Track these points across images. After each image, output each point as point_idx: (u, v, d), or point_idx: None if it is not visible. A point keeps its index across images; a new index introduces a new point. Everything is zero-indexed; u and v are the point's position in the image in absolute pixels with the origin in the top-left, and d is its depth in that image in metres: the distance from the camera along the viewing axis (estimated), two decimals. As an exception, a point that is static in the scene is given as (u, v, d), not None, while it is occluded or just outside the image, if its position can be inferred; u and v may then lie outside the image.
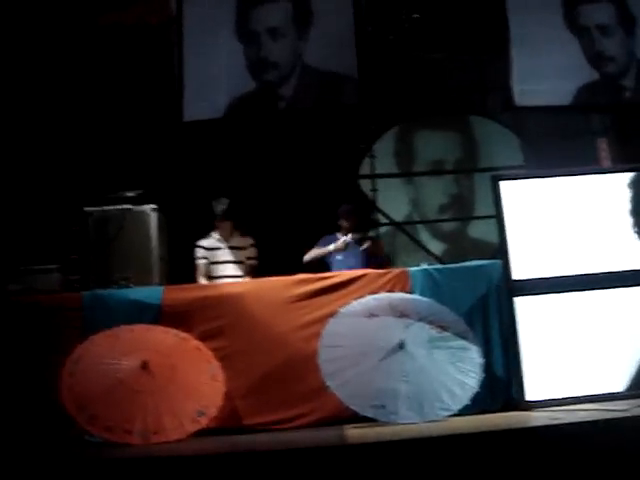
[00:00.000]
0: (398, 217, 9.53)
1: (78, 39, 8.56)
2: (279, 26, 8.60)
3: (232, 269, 7.01)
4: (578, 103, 8.52)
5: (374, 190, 9.13)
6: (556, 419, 4.98)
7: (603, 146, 8.78)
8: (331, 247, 6.91)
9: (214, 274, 6.99)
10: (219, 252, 7.06)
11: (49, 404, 5.37)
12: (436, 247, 9.43)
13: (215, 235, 7.12)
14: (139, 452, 4.98)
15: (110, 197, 7.12)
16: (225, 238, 7.10)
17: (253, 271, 7.02)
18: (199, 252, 7.06)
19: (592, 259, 5.91)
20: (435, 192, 9.82)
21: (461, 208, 9.82)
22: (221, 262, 7.03)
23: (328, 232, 7.17)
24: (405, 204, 9.77)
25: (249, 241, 7.15)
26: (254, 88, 8.53)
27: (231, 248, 7.09)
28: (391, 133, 9.91)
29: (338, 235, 7.05)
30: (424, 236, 9.64)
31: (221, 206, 7.03)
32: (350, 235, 6.94)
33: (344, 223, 7.11)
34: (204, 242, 7.09)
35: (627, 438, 4.51)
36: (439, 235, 9.72)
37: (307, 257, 6.99)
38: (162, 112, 8.43)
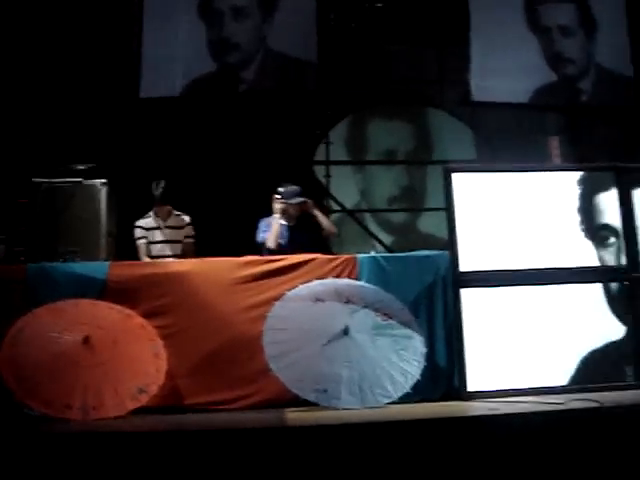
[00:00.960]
0: (347, 206, 9.53)
1: (36, 4, 8.41)
2: (244, 5, 8.53)
3: (169, 249, 6.95)
4: (534, 103, 8.61)
5: (328, 176, 9.12)
6: (494, 410, 5.05)
7: (555, 144, 8.89)
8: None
9: (153, 254, 6.93)
10: (157, 232, 7.00)
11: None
12: (384, 239, 9.42)
13: (152, 215, 7.06)
14: (77, 427, 4.94)
15: (60, 169, 7.03)
16: (162, 218, 7.04)
17: (190, 250, 6.96)
18: (138, 232, 6.98)
19: (539, 255, 5.99)
20: (385, 183, 9.79)
21: (411, 200, 9.80)
22: (159, 242, 6.97)
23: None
24: (354, 193, 9.71)
25: (185, 220, 7.09)
26: (214, 69, 8.49)
27: (168, 227, 7.04)
28: (345, 121, 9.88)
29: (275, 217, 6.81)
30: (372, 227, 9.59)
31: (160, 189, 6.96)
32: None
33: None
34: (142, 222, 7.02)
35: (562, 430, 4.59)
36: (388, 227, 9.66)
37: (271, 244, 6.67)
38: (118, 87, 8.35)
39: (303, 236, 6.69)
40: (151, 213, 7.06)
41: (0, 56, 8.19)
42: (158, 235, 7.00)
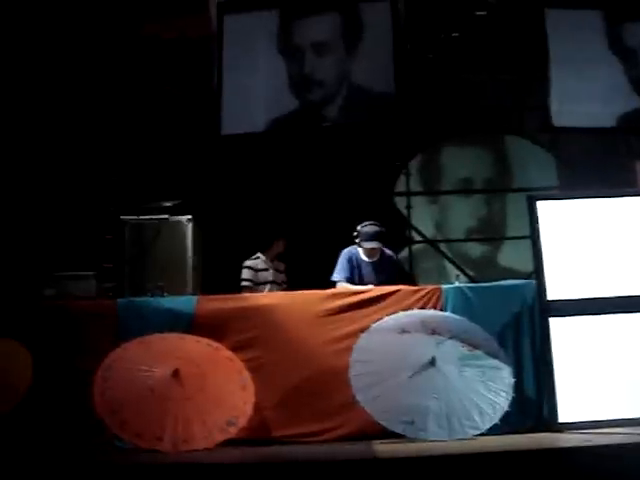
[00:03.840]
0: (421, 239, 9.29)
1: (121, 50, 8.68)
2: (326, 41, 8.41)
3: (276, 290, 7.07)
4: (619, 127, 8.42)
5: (409, 207, 9.08)
6: (587, 441, 4.94)
7: (640, 168, 8.70)
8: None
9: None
10: (265, 273, 7.14)
11: (81, 409, 5.42)
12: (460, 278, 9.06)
13: (262, 256, 7.17)
14: (168, 459, 5.02)
15: (147, 207, 7.20)
16: (270, 259, 7.17)
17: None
18: (245, 273, 7.12)
19: (627, 282, 5.85)
20: (462, 213, 9.51)
21: (490, 232, 9.49)
22: (269, 282, 7.10)
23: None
24: (429, 226, 9.40)
25: (283, 266, 7.26)
26: (296, 107, 8.44)
27: (275, 270, 7.18)
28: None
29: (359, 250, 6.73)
30: (448, 264, 9.23)
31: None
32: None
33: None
34: (250, 263, 7.15)
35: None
36: (465, 261, 9.22)
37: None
38: (201, 125, 8.51)
39: (385, 271, 6.65)
40: (259, 254, 7.17)
41: (92, 97, 8.45)
42: (266, 276, 7.12)
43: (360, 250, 6.66)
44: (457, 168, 9.63)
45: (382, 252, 6.67)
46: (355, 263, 6.63)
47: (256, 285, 7.10)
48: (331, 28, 8.49)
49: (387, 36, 8.53)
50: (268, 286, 7.11)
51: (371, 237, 6.58)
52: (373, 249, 6.59)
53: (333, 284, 6.45)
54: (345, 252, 6.70)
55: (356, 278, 6.60)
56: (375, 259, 6.65)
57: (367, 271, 6.64)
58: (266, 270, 7.16)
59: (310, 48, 8.43)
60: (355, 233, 6.65)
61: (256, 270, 7.13)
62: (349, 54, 8.44)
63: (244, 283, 7.08)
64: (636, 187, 8.28)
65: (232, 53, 8.61)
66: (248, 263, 7.14)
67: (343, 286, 6.48)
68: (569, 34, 8.49)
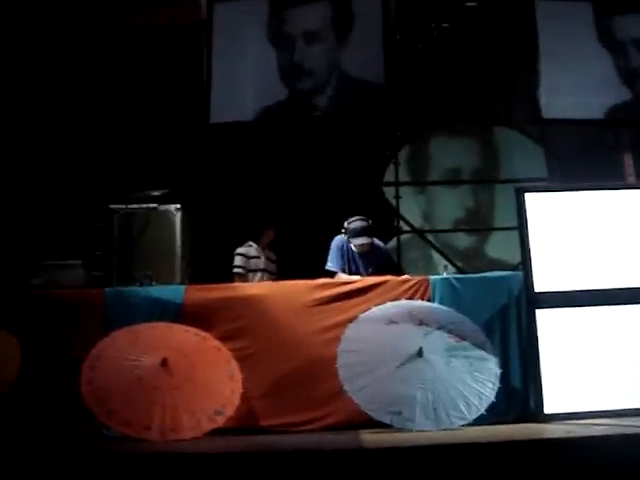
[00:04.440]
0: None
1: (110, 37, 8.64)
2: (316, 30, 8.42)
3: (268, 278, 7.10)
4: (608, 119, 8.43)
5: (397, 197, 9.08)
6: (572, 432, 4.98)
7: (629, 162, 8.71)
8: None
9: (253, 281, 7.08)
10: (257, 260, 7.16)
11: (69, 398, 5.42)
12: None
13: (254, 244, 7.19)
14: (156, 448, 5.03)
15: (136, 196, 7.19)
16: (262, 248, 7.19)
17: None
18: (238, 260, 7.15)
19: (614, 274, 5.89)
20: (449, 204, 9.49)
21: (477, 223, 9.47)
22: (260, 270, 7.12)
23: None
24: (417, 216, 9.38)
25: (274, 256, 7.30)
26: (286, 97, 8.45)
27: (266, 258, 7.22)
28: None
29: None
30: (435, 254, 9.22)
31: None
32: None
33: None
34: (242, 250, 7.18)
35: (641, 454, 4.50)
36: (452, 253, 9.19)
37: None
38: (190, 113, 8.49)
39: (374, 261, 6.65)
40: (251, 242, 7.19)
41: (80, 85, 8.41)
42: (258, 264, 7.14)
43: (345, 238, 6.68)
44: (445, 158, 9.59)
45: (371, 243, 6.68)
46: (346, 252, 6.64)
47: (248, 272, 7.11)
48: (322, 17, 8.50)
49: (377, 26, 8.54)
50: (259, 274, 7.13)
51: (359, 233, 6.57)
52: (362, 244, 6.61)
53: (324, 273, 6.43)
54: (336, 240, 6.70)
55: (346, 268, 6.62)
56: (365, 250, 6.66)
57: (357, 261, 6.64)
58: (258, 258, 7.18)
59: (301, 37, 8.43)
60: (343, 230, 6.65)
61: (248, 257, 7.15)
62: (339, 44, 8.45)
63: (236, 270, 7.09)
64: (624, 180, 8.32)
65: (222, 41, 8.60)
66: (240, 250, 7.16)
67: (340, 276, 6.48)
68: (559, 26, 8.51)
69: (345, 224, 6.64)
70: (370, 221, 6.67)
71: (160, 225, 6.91)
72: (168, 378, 5.42)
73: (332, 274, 6.54)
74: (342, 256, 6.62)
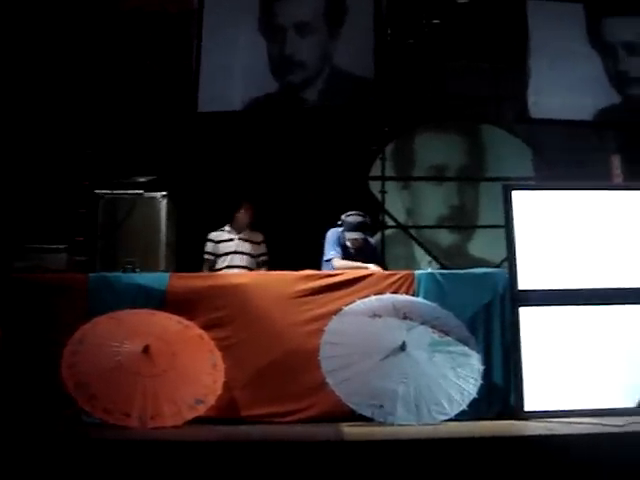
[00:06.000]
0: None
1: (98, 22, 8.58)
2: (308, 21, 8.38)
3: (239, 260, 7.04)
4: (596, 121, 8.46)
5: (383, 192, 9.08)
6: (552, 430, 5.00)
7: (616, 163, 8.75)
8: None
9: (221, 265, 7.01)
10: (228, 243, 7.09)
11: (50, 383, 5.38)
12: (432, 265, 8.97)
13: (227, 227, 7.16)
14: (135, 435, 5.00)
15: (121, 182, 7.16)
16: (237, 230, 7.14)
17: (265, 267, 7.06)
18: (207, 246, 7.14)
19: (599, 274, 5.91)
20: (434, 201, 9.42)
21: (462, 221, 9.43)
22: (230, 253, 7.05)
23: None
24: (401, 212, 9.31)
25: (260, 237, 7.19)
26: (275, 89, 8.42)
27: (241, 240, 7.13)
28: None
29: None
30: (417, 251, 9.16)
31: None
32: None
33: None
34: (213, 235, 7.15)
35: (621, 454, 4.52)
36: (435, 250, 9.06)
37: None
38: (178, 101, 8.46)
39: (364, 255, 6.63)
40: (226, 226, 7.19)
41: (63, 70, 8.36)
42: (230, 246, 7.09)
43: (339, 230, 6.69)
44: (431, 155, 9.53)
45: (365, 239, 6.70)
46: (342, 243, 6.66)
47: (217, 257, 7.10)
48: (314, 9, 8.46)
49: (369, 20, 8.54)
50: (230, 257, 7.08)
51: (354, 227, 6.60)
52: (356, 239, 6.62)
53: (308, 265, 6.42)
54: (332, 231, 6.71)
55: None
56: (358, 246, 6.67)
57: (350, 255, 6.64)
58: (230, 240, 7.14)
59: (292, 28, 8.39)
60: (339, 222, 6.67)
61: (217, 242, 7.15)
62: (331, 36, 8.43)
63: (204, 256, 7.11)
64: (610, 181, 8.36)
65: (212, 30, 8.56)
66: (210, 235, 7.18)
67: (341, 263, 6.48)
68: (550, 26, 8.53)
69: (342, 217, 6.67)
70: (367, 218, 6.72)
71: (145, 212, 6.88)
72: (149, 365, 5.39)
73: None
74: (339, 246, 6.63)
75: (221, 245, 7.12)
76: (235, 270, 6.99)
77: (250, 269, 7.05)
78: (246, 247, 7.15)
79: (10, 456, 4.40)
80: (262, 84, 8.43)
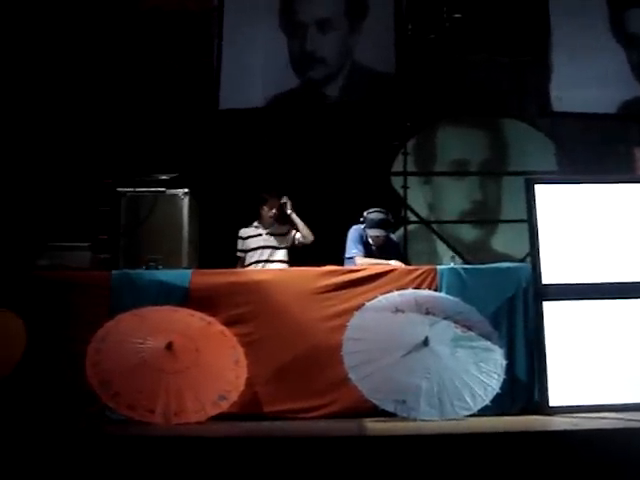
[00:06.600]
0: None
1: (120, 22, 8.61)
2: (330, 17, 8.36)
3: (268, 254, 7.08)
4: (619, 113, 8.38)
5: (405, 187, 9.05)
6: (577, 425, 4.96)
7: (639, 155, 8.67)
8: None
9: (250, 260, 7.09)
10: (256, 239, 7.16)
11: (74, 380, 5.43)
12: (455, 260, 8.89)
13: (255, 223, 7.21)
14: (159, 431, 5.04)
15: (143, 179, 7.18)
16: (264, 225, 7.16)
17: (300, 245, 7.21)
18: (238, 244, 7.21)
19: (623, 268, 5.87)
20: (456, 196, 9.33)
21: (484, 216, 9.32)
22: (259, 248, 7.10)
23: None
24: (422, 207, 9.24)
25: (285, 228, 7.26)
26: (297, 86, 8.41)
27: (269, 234, 7.15)
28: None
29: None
30: (440, 246, 9.10)
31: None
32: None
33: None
34: (242, 232, 7.22)
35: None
36: (459, 245, 9.01)
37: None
38: (199, 98, 8.48)
39: (387, 253, 6.66)
40: (256, 222, 7.25)
41: (86, 69, 8.40)
42: (258, 241, 7.15)
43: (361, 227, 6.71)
44: (453, 149, 9.44)
45: (387, 236, 6.71)
46: (364, 241, 6.67)
47: (246, 253, 7.16)
48: (335, 5, 8.45)
49: (389, 16, 8.52)
50: (259, 252, 7.12)
51: (376, 224, 6.63)
52: (377, 236, 6.61)
53: (330, 261, 6.41)
54: (354, 229, 6.73)
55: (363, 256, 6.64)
56: (379, 243, 6.68)
57: (372, 252, 6.65)
58: (258, 236, 7.18)
59: (313, 25, 8.37)
60: (362, 219, 6.69)
61: (245, 238, 7.19)
62: (352, 32, 8.41)
63: (237, 254, 7.19)
64: (634, 174, 8.28)
65: (232, 27, 8.58)
66: (240, 232, 7.24)
67: (363, 261, 6.49)
68: (572, 18, 8.45)
69: (365, 213, 6.69)
70: (390, 215, 6.74)
71: (168, 209, 6.89)
72: (173, 362, 5.42)
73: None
74: (361, 243, 6.64)
75: (249, 241, 7.18)
76: (262, 265, 7.03)
77: (281, 262, 7.09)
78: (273, 241, 7.17)
79: (35, 453, 4.42)
80: (283, 81, 8.43)
